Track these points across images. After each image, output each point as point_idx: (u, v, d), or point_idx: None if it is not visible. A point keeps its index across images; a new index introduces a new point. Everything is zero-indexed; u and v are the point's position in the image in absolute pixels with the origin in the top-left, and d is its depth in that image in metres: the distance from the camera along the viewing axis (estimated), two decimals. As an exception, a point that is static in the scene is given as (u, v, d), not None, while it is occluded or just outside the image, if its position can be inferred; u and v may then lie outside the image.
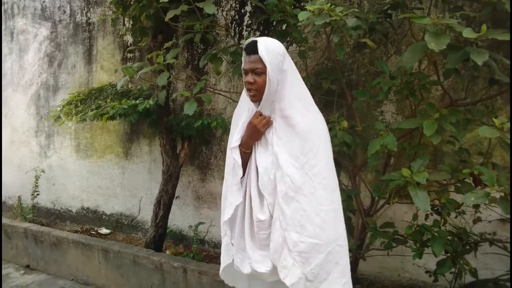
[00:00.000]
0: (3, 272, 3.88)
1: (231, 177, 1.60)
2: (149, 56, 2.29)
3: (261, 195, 1.55)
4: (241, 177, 1.59)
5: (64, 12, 4.49)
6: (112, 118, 3.15)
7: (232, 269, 1.65)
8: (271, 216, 1.51)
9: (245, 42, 1.54)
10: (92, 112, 3.15)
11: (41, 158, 4.82)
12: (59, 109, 3.58)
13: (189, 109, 2.09)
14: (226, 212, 1.60)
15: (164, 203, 3.41)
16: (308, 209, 1.45)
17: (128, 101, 2.95)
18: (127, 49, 3.59)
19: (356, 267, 2.51)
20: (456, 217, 2.20)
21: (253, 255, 1.55)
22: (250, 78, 1.50)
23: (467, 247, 2.15)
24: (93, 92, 3.49)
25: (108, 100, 3.33)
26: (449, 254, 2.04)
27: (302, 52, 2.59)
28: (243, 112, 1.62)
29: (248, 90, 1.52)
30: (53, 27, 4.60)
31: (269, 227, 1.51)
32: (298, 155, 1.48)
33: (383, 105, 2.72)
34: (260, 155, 1.56)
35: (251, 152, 1.60)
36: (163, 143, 3.33)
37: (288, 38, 2.69)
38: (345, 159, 2.42)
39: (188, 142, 3.43)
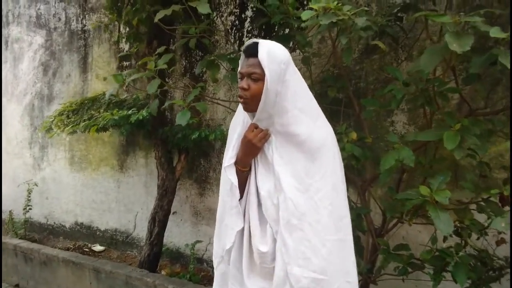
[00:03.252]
0: (-10, 292, 3.68)
1: (229, 199, 1.38)
2: (140, 62, 2.11)
3: (262, 223, 1.34)
4: (240, 198, 1.38)
5: (59, 19, 4.35)
6: (104, 129, 2.97)
7: None
8: (275, 247, 1.30)
9: (245, 43, 1.34)
10: (84, 123, 2.98)
11: (34, 171, 4.64)
12: (51, 120, 3.41)
13: (182, 119, 1.89)
14: (228, 239, 1.39)
15: (159, 220, 3.21)
16: (314, 239, 1.24)
17: (120, 112, 2.77)
18: (119, 55, 3.42)
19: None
20: (478, 238, 1.99)
21: None
22: (244, 83, 1.29)
23: (491, 273, 1.93)
24: (86, 102, 3.32)
25: (101, 111, 3.16)
26: (470, 281, 1.82)
27: (306, 58, 2.41)
28: (238, 125, 1.42)
29: (241, 97, 1.32)
30: (48, 35, 4.45)
31: (274, 260, 1.31)
32: (303, 177, 1.29)
33: (393, 115, 2.52)
34: (262, 176, 1.36)
35: (249, 169, 1.39)
36: (158, 156, 3.14)
37: (291, 44, 2.52)
38: (353, 173, 2.22)
39: (185, 154, 3.24)
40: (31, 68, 4.63)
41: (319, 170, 1.29)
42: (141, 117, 2.72)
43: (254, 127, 1.34)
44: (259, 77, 1.27)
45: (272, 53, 1.27)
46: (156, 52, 2.12)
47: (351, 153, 1.93)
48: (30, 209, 4.29)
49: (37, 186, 4.40)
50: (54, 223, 4.51)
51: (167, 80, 3.24)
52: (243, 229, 1.38)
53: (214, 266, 1.47)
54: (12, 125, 4.84)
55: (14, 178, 4.76)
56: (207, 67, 2.31)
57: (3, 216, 4.74)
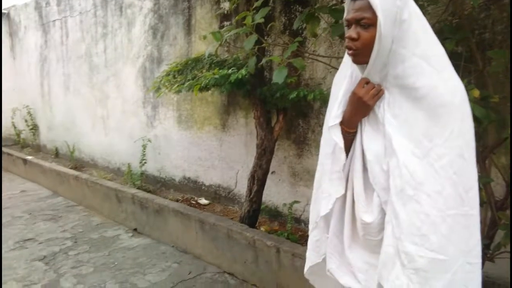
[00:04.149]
0: (114, 233, 4.19)
1: (330, 162, 1.26)
2: (238, 17, 2.06)
3: (367, 190, 1.21)
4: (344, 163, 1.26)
5: (166, -18, 4.51)
6: (206, 89, 3.05)
7: (321, 269, 1.38)
8: (383, 218, 1.17)
9: None
10: (188, 83, 3.09)
11: (148, 128, 5.06)
12: (159, 80, 3.61)
13: (278, 76, 1.81)
14: (323, 205, 1.29)
15: (258, 178, 3.27)
16: (433, 213, 1.07)
17: (220, 71, 2.81)
18: (217, 12, 3.41)
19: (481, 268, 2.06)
20: None
21: (355, 262, 1.25)
22: (352, 32, 1.11)
23: None
24: (190, 62, 3.43)
25: (204, 71, 3.24)
26: None
27: (420, 6, 2.11)
28: (343, 79, 1.26)
29: (349, 48, 1.14)
30: (156, -1, 4.67)
31: (380, 232, 1.18)
32: (421, 139, 1.09)
33: (527, 70, 2.12)
34: (369, 138, 1.20)
35: (356, 131, 1.24)
36: (257, 115, 3.15)
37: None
38: (472, 138, 1.95)
39: (283, 114, 3.20)
40: (142, 32, 4.94)
41: (442, 132, 1.08)
42: (240, 76, 2.72)
43: (365, 82, 1.18)
44: (370, 22, 1.08)
45: None
46: (254, 6, 2.04)
47: (472, 114, 1.68)
48: (145, 162, 4.75)
49: (150, 142, 4.82)
50: (166, 176, 4.92)
51: (265, 38, 3.17)
52: (344, 196, 1.27)
53: (309, 232, 1.42)
54: (128, 86, 5.30)
55: (131, 135, 5.27)
56: (307, 20, 2.17)
57: (124, 168, 5.32)
